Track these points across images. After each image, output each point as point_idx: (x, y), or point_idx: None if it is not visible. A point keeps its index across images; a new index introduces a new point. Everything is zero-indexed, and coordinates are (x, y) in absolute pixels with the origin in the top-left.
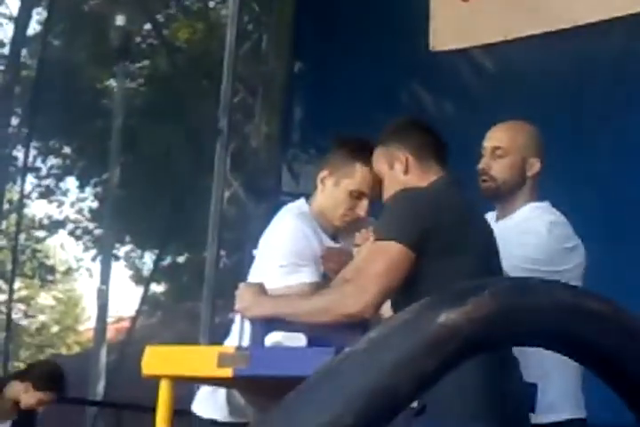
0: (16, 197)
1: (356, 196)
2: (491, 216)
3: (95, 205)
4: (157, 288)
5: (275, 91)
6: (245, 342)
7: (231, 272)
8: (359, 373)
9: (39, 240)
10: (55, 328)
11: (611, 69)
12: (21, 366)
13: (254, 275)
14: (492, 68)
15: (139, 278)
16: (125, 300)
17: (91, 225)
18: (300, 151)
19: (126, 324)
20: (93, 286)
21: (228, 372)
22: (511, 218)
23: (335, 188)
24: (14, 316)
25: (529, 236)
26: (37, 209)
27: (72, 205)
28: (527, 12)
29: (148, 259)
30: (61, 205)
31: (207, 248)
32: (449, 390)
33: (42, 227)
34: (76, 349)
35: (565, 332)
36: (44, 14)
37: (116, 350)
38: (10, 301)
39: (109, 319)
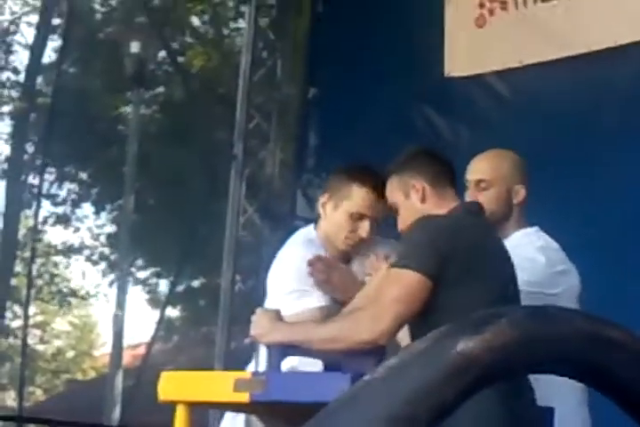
0: (32, 223)
1: (357, 217)
2: None
3: (111, 230)
4: (173, 313)
5: (289, 117)
6: (261, 368)
7: (246, 297)
8: (378, 401)
9: (56, 266)
10: (71, 353)
11: (626, 94)
12: (37, 391)
13: (267, 302)
14: (507, 93)
15: (154, 304)
16: (141, 325)
17: (107, 250)
18: (315, 177)
19: (142, 349)
20: (109, 312)
21: (244, 397)
22: None
23: (335, 211)
24: (30, 341)
25: (525, 261)
26: (54, 235)
27: (88, 230)
28: (542, 38)
29: (164, 284)
30: (77, 230)
31: (222, 273)
32: (464, 419)
33: (58, 253)
34: (92, 374)
35: (584, 360)
36: (60, 42)
37: (132, 375)
38: (25, 326)
39: (125, 345)
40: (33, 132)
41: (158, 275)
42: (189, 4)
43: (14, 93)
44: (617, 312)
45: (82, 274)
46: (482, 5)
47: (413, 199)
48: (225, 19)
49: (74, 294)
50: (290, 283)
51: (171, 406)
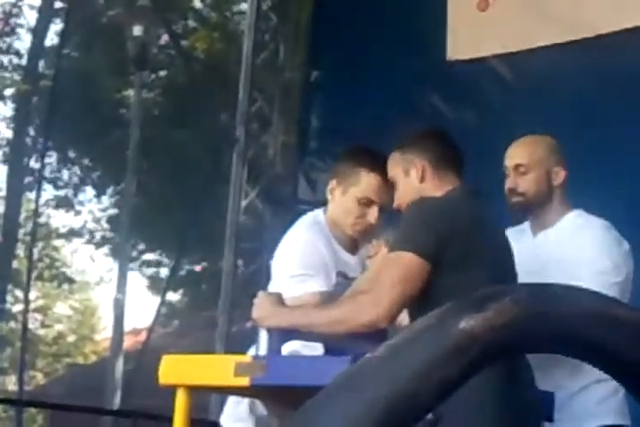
0: (33, 206)
1: (365, 203)
2: (518, 230)
3: (113, 214)
4: (174, 297)
5: (291, 100)
6: (262, 351)
7: (248, 281)
8: (379, 379)
9: (57, 249)
10: (72, 338)
11: (630, 78)
12: (38, 375)
13: (271, 285)
14: (510, 77)
15: (155, 288)
16: (142, 309)
17: (108, 234)
18: (317, 160)
19: (143, 333)
20: (110, 296)
21: (244, 381)
22: (553, 230)
23: (343, 197)
24: (31, 325)
25: (589, 248)
26: (55, 219)
27: (90, 214)
28: (545, 22)
29: (165, 268)
30: (79, 213)
31: (224, 258)
32: (464, 402)
33: (59, 236)
34: (93, 358)
35: (589, 339)
36: (62, 25)
37: (133, 359)
38: (26, 310)
39: (126, 329)
40: (35, 116)
41: (159, 259)
42: None
43: (16, 77)
44: None
45: (82, 257)
46: None
47: (413, 177)
48: (227, 2)
49: (72, 278)
50: (293, 266)
51: (171, 390)
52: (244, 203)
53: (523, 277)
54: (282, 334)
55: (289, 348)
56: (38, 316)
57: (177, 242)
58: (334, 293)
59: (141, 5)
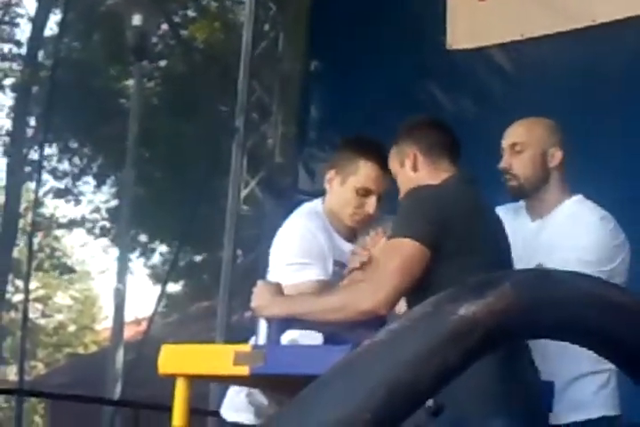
0: (32, 196)
1: (363, 193)
2: (514, 209)
3: (112, 204)
4: (174, 287)
5: (291, 89)
6: (261, 341)
7: (247, 271)
8: (378, 366)
9: (57, 239)
10: (72, 328)
11: (629, 67)
12: (39, 365)
13: (269, 274)
14: (509, 66)
15: (156, 278)
16: (142, 299)
17: (108, 224)
18: (317, 150)
19: (143, 323)
20: (110, 286)
21: (244, 370)
22: (551, 217)
23: (341, 187)
24: (31, 315)
25: (584, 237)
26: (55, 209)
27: (90, 204)
28: (545, 11)
29: (165, 258)
30: (79, 203)
31: (224, 247)
32: (467, 387)
33: (59, 226)
34: (93, 348)
35: (587, 324)
36: (61, 15)
37: (133, 349)
38: (26, 300)
39: (126, 318)
40: (34, 105)
41: (159, 249)
42: None
43: (16, 66)
44: None
45: (83, 247)
46: None
47: (407, 168)
48: None
49: (74, 267)
50: (291, 255)
51: (171, 380)
52: (243, 193)
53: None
54: (281, 324)
55: (288, 337)
56: (39, 306)
57: (177, 232)
58: (332, 281)
59: None
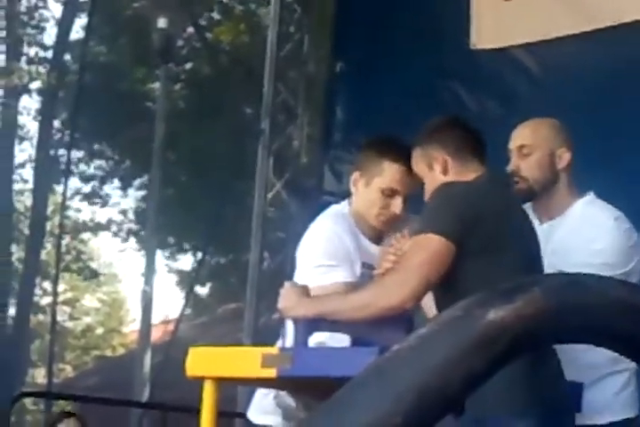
0: (60, 199)
1: (388, 194)
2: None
3: (139, 207)
4: (201, 290)
5: (316, 91)
6: (288, 343)
7: (274, 273)
8: (408, 371)
9: (84, 242)
10: (100, 330)
11: None
12: (67, 368)
13: (296, 276)
14: (534, 66)
15: (183, 280)
16: (170, 301)
17: (135, 227)
18: (343, 151)
19: (171, 325)
20: (137, 288)
21: (271, 372)
22: (562, 219)
23: (367, 188)
24: (59, 318)
25: (600, 240)
26: (82, 212)
27: (116, 206)
28: (571, 10)
29: (192, 260)
30: (105, 205)
31: (250, 249)
32: (493, 388)
33: (87, 228)
34: (121, 351)
35: (617, 329)
36: (87, 18)
37: (161, 351)
38: (54, 303)
39: (154, 321)
40: (61, 109)
41: (187, 251)
42: None
43: (42, 69)
44: None
45: (110, 250)
46: None
47: (436, 171)
48: None
49: (101, 271)
50: (317, 257)
51: (199, 382)
52: (269, 195)
53: None
54: (308, 326)
55: (315, 339)
56: (67, 308)
57: (204, 234)
58: (359, 283)
59: None
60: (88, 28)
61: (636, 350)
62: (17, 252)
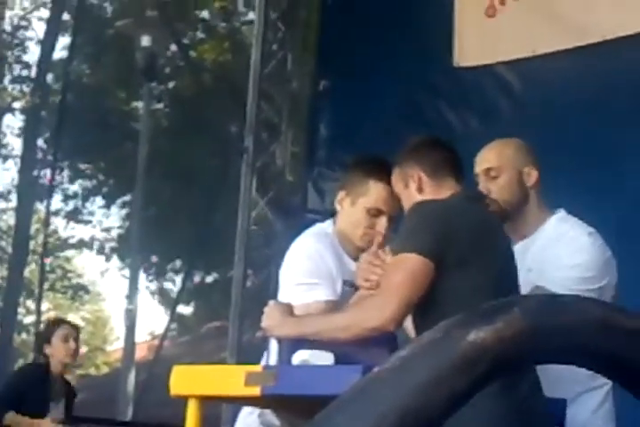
0: (43, 217)
1: (374, 213)
2: None
3: (123, 225)
4: (185, 308)
5: (300, 109)
6: (272, 361)
7: (258, 291)
8: (390, 392)
9: (68, 260)
10: (83, 349)
11: (638, 84)
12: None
13: (279, 295)
14: (518, 84)
15: (166, 298)
16: (154, 319)
17: (118, 245)
18: (326, 169)
19: (154, 344)
20: (121, 306)
21: (255, 391)
22: (536, 237)
23: (352, 208)
24: None
25: (576, 255)
26: (66, 229)
27: (99, 224)
28: (554, 28)
29: (176, 279)
30: (88, 223)
31: (234, 267)
32: (471, 412)
33: (70, 247)
34: (105, 369)
35: (596, 349)
36: (70, 38)
37: (145, 369)
38: (38, 322)
39: (138, 340)
40: (44, 128)
41: (170, 270)
42: None
43: (25, 88)
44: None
45: (93, 269)
46: None
47: (412, 189)
48: (236, 12)
49: (84, 288)
50: (299, 275)
51: (183, 401)
52: (253, 213)
53: None
54: (292, 344)
55: (299, 358)
56: None
57: (187, 252)
58: (341, 302)
59: (149, 16)
60: (71, 48)
61: (615, 370)
62: (0, 271)
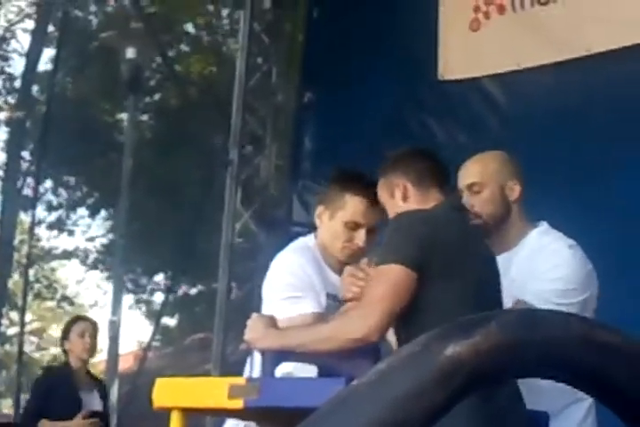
0: (27, 229)
1: (352, 227)
2: None
3: (106, 237)
4: (169, 320)
5: (285, 122)
6: (256, 373)
7: (242, 303)
8: (368, 406)
9: (53, 271)
10: None
11: (624, 98)
12: None
13: (263, 309)
14: (502, 97)
15: (150, 310)
16: (137, 331)
17: (102, 257)
18: (311, 182)
19: (138, 356)
20: (105, 318)
21: (238, 403)
22: (518, 250)
23: (331, 221)
24: (26, 348)
25: (558, 268)
26: (50, 242)
27: (83, 236)
28: (538, 41)
29: (160, 290)
30: (72, 234)
31: (218, 280)
32: (450, 423)
33: (54, 258)
34: None
35: (575, 364)
36: (55, 50)
37: (128, 381)
38: (21, 333)
39: (121, 351)
40: (29, 139)
41: (154, 282)
42: (185, 10)
43: (10, 100)
44: (634, 317)
45: (77, 280)
46: (477, 9)
47: (397, 198)
48: (220, 24)
49: (69, 299)
50: (282, 290)
51: (166, 413)
52: (237, 225)
53: None
54: (275, 356)
55: (283, 370)
56: (34, 339)
57: (171, 264)
58: (326, 314)
59: (134, 28)
60: (56, 59)
61: (594, 386)
62: None
